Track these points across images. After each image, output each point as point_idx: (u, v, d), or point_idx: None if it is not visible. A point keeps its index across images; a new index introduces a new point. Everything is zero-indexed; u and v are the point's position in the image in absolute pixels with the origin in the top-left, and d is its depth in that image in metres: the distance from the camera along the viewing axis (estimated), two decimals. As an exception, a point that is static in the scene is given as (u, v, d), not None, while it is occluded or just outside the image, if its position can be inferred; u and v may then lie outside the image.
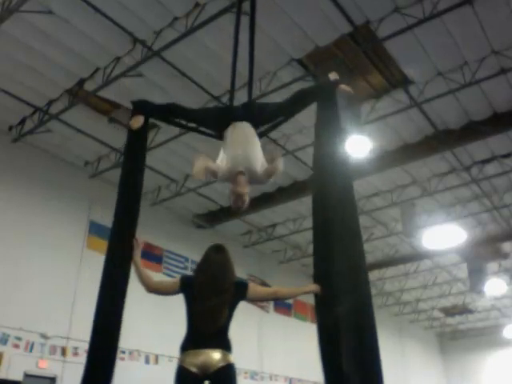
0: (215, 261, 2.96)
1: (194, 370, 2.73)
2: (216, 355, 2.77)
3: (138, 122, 3.47)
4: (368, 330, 2.98)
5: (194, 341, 2.84)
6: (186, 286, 2.99)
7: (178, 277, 3.14)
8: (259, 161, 3.44)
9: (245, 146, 3.41)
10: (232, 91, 4.06)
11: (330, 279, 3.11)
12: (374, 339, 2.98)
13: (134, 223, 3.32)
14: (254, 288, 3.11)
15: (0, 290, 8.68)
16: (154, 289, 3.09)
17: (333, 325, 3.01)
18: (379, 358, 2.93)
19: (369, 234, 13.37)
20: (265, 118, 3.74)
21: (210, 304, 2.81)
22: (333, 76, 3.63)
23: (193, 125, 4.02)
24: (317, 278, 3.16)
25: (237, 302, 3.00)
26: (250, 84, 4.08)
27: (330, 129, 3.51)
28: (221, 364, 2.75)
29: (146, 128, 3.57)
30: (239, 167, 3.33)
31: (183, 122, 3.98)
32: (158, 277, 12.92)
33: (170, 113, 3.80)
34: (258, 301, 3.34)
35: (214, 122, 3.70)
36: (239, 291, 2.99)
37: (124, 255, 3.21)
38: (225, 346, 2.84)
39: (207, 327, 2.81)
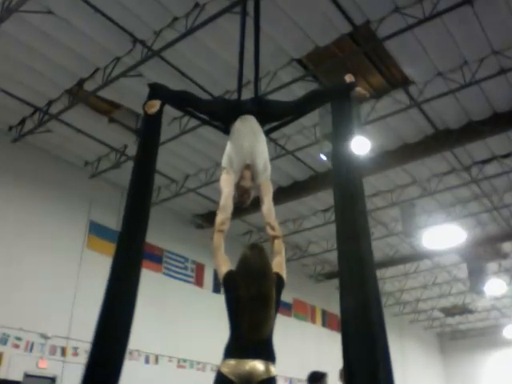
0: (255, 266, 2.78)
1: (235, 379, 2.60)
2: (261, 367, 2.63)
3: (154, 105, 3.35)
4: (375, 330, 2.84)
5: (239, 349, 2.68)
6: (229, 285, 2.84)
7: (226, 269, 2.90)
8: (263, 158, 3.43)
9: (252, 139, 3.40)
10: (239, 85, 4.02)
11: (340, 276, 3.11)
12: (380, 339, 2.83)
13: (146, 221, 3.23)
14: (284, 274, 2.98)
15: (0, 290, 8.69)
16: (216, 261, 2.97)
17: (344, 320, 2.97)
18: (389, 358, 2.80)
19: (369, 234, 13.36)
20: (275, 114, 3.71)
21: (255, 314, 2.67)
22: (349, 78, 3.61)
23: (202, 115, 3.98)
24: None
25: (279, 301, 2.87)
26: (255, 79, 4.07)
27: (342, 130, 3.50)
28: (264, 376, 2.62)
29: (161, 113, 3.45)
30: (247, 160, 3.32)
31: (194, 112, 3.93)
32: (157, 277, 12.85)
33: (184, 100, 3.72)
34: None
35: (224, 114, 3.66)
36: (278, 289, 2.86)
37: (134, 259, 3.14)
38: (270, 357, 2.71)
39: (254, 336, 2.67)
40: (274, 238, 3.14)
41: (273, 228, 3.16)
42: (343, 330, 2.93)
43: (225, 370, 2.65)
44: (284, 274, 2.98)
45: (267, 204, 3.29)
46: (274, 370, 2.69)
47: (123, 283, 3.07)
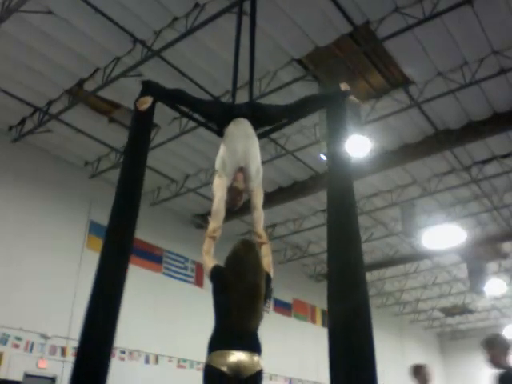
0: (247, 263, 2.81)
1: (225, 369, 2.60)
2: (250, 359, 2.66)
3: (146, 102, 3.37)
4: (362, 333, 2.87)
5: (226, 340, 2.71)
6: (216, 280, 2.90)
7: (212, 264, 3.01)
8: (256, 162, 3.46)
9: (245, 142, 3.43)
10: (234, 88, 4.05)
11: (329, 279, 3.16)
12: (368, 342, 2.84)
13: (134, 218, 3.23)
14: (271, 272, 3.08)
15: (0, 290, 8.69)
16: (204, 261, 3.07)
17: (332, 322, 3.01)
18: (374, 360, 2.81)
19: (369, 233, 13.37)
20: (268, 118, 3.76)
21: (246, 305, 2.71)
22: (344, 87, 3.69)
23: (195, 115, 4.00)
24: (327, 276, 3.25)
25: (266, 297, 2.91)
26: (250, 83, 4.09)
27: (337, 136, 3.57)
28: (255, 369, 2.65)
29: (153, 111, 3.46)
30: (240, 163, 3.36)
31: (188, 112, 3.95)
32: (157, 277, 12.83)
33: (178, 99, 3.76)
34: None
35: (218, 117, 3.70)
36: (266, 285, 2.90)
37: (121, 258, 3.12)
38: (257, 348, 2.74)
39: (242, 327, 2.70)
40: (262, 244, 3.30)
41: (260, 236, 3.33)
42: (330, 331, 2.96)
43: (214, 363, 2.66)
44: (271, 272, 3.09)
45: (258, 211, 3.42)
46: (261, 362, 2.73)
47: (111, 278, 3.03)
